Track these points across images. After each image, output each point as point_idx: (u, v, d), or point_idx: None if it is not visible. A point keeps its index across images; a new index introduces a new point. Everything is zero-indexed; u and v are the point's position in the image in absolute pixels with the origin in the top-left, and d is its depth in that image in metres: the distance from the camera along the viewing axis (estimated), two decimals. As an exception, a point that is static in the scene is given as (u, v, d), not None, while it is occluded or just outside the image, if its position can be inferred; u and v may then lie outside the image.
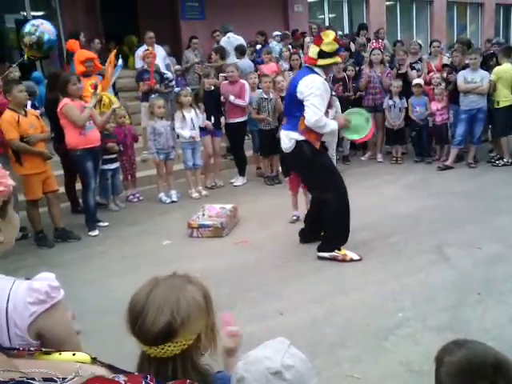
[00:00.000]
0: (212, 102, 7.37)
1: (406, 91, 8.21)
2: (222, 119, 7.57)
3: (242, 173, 7.82)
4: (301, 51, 9.75)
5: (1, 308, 1.29)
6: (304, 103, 4.44)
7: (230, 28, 10.49)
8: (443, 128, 8.12)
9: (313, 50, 4.53)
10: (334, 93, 6.84)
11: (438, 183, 7.08)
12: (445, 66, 8.40)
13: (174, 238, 5.64)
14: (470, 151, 7.95)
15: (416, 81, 8.05)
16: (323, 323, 3.65)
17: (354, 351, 3.28)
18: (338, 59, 4.60)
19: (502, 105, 7.63)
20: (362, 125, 4.96)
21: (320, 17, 14.74)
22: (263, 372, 1.17)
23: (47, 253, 5.47)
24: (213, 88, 7.45)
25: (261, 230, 5.59)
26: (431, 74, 8.33)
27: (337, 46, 4.51)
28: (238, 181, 7.74)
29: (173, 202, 7.02)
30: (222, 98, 7.52)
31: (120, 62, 6.55)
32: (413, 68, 8.59)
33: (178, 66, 9.85)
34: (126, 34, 11.53)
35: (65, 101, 5.69)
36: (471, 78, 7.56)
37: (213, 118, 7.31)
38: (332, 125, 4.61)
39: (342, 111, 7.53)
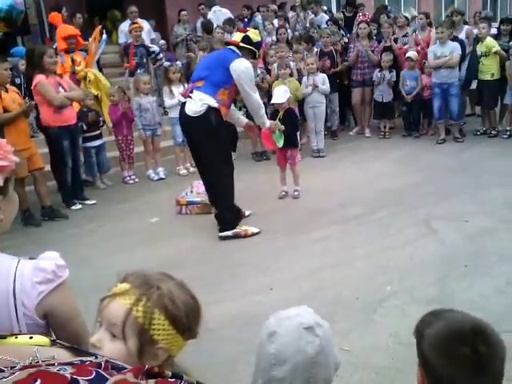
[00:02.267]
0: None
1: (395, 65, 8.17)
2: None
3: (233, 148, 7.75)
4: (287, 25, 9.61)
5: (8, 288, 1.26)
6: (244, 87, 4.59)
7: (215, 1, 10.30)
8: (430, 102, 8.11)
9: (238, 35, 4.82)
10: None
11: (426, 158, 7.10)
12: None
13: (162, 215, 5.61)
14: (454, 126, 7.96)
15: (409, 54, 7.96)
16: (312, 297, 3.67)
17: (343, 324, 3.30)
18: (257, 52, 4.81)
19: (496, 77, 7.49)
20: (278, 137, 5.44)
21: (307, -10, 14.47)
22: (296, 327, 1.19)
23: (35, 231, 5.42)
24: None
25: (249, 206, 5.56)
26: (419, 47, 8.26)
27: (260, 39, 4.91)
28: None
29: (161, 179, 6.97)
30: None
31: (104, 36, 6.40)
32: (397, 41, 8.52)
33: (162, 41, 9.68)
34: (108, 9, 11.27)
35: (38, 77, 5.48)
36: (441, 52, 7.50)
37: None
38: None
39: (331, 86, 7.55)
